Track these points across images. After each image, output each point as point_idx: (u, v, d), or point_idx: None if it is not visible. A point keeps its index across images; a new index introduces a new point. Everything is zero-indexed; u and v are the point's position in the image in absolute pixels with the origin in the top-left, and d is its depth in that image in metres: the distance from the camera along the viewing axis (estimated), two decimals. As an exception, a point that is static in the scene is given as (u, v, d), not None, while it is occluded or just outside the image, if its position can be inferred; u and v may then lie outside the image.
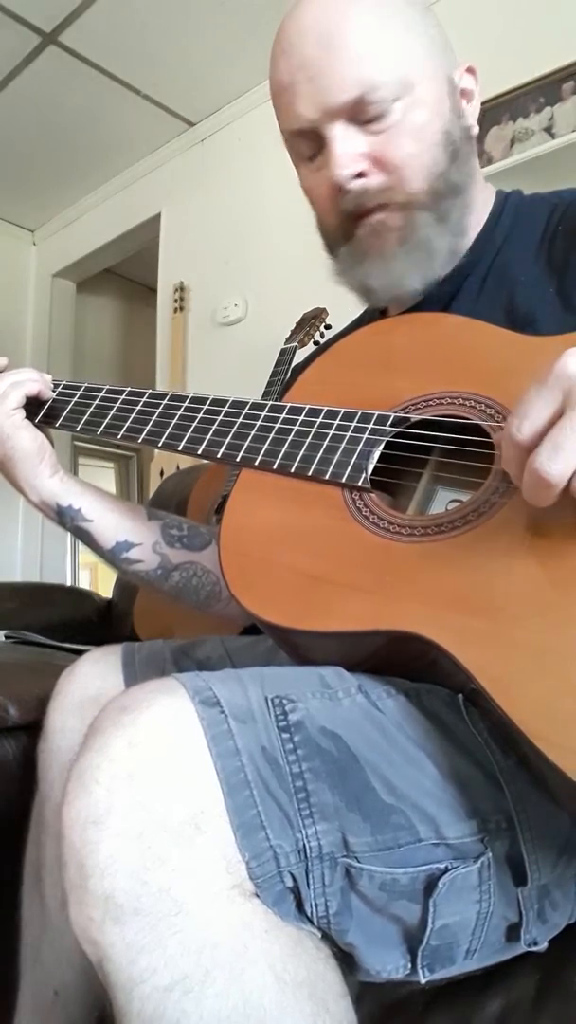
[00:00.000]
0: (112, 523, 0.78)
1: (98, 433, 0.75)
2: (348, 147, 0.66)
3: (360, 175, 0.66)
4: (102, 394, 0.77)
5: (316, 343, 1.81)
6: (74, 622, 1.81)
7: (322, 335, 1.82)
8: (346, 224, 0.70)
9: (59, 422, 0.78)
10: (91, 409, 0.77)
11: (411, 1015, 0.57)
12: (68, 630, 1.70)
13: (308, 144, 0.69)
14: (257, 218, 2.52)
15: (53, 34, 2.30)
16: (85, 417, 0.76)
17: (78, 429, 0.76)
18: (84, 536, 0.78)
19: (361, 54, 0.64)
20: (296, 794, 0.46)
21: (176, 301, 2.74)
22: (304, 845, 0.45)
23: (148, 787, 0.43)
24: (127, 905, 0.42)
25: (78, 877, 0.43)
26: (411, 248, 0.68)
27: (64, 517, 0.77)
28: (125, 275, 3.92)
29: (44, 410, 0.78)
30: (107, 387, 0.78)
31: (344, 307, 0.78)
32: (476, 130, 0.71)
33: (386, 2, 0.67)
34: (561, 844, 0.51)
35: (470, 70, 0.71)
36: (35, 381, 0.76)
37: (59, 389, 0.79)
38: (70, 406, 0.78)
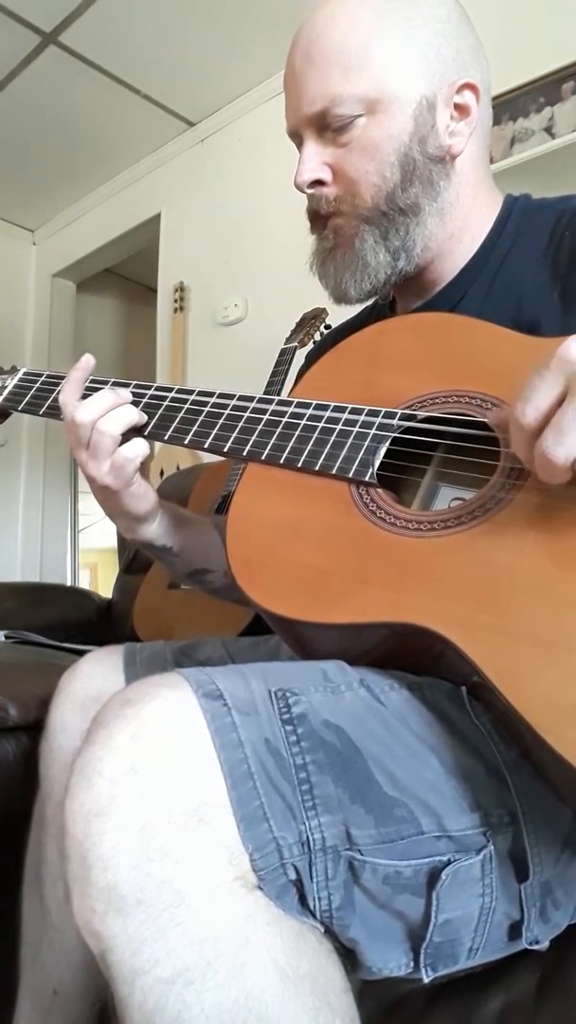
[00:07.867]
0: (193, 555, 0.83)
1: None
2: (312, 155, 0.70)
3: (320, 182, 0.71)
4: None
5: (316, 343, 1.81)
6: (74, 622, 1.81)
7: (322, 335, 1.82)
8: (314, 221, 0.75)
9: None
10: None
11: (412, 1013, 0.57)
12: (68, 630, 1.70)
13: (297, 143, 0.73)
14: (257, 218, 2.52)
15: (53, 34, 2.30)
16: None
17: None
18: (165, 563, 0.84)
19: (332, 69, 0.67)
20: (299, 786, 0.46)
21: (176, 301, 2.73)
22: (307, 837, 0.45)
23: (151, 779, 0.43)
24: (130, 896, 0.42)
25: (81, 869, 0.43)
26: (350, 258, 0.72)
27: (152, 550, 0.81)
28: (125, 275, 3.92)
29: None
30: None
31: (343, 307, 0.79)
32: (459, 148, 0.70)
33: (384, 13, 0.67)
34: (564, 839, 0.51)
35: (471, 87, 0.70)
36: (139, 442, 0.71)
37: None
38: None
